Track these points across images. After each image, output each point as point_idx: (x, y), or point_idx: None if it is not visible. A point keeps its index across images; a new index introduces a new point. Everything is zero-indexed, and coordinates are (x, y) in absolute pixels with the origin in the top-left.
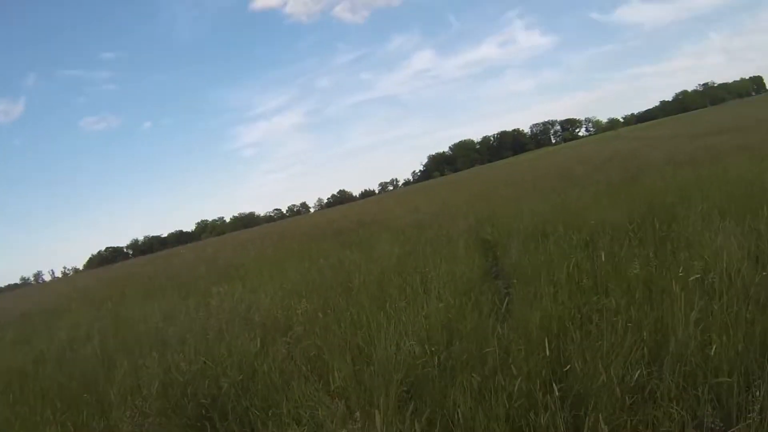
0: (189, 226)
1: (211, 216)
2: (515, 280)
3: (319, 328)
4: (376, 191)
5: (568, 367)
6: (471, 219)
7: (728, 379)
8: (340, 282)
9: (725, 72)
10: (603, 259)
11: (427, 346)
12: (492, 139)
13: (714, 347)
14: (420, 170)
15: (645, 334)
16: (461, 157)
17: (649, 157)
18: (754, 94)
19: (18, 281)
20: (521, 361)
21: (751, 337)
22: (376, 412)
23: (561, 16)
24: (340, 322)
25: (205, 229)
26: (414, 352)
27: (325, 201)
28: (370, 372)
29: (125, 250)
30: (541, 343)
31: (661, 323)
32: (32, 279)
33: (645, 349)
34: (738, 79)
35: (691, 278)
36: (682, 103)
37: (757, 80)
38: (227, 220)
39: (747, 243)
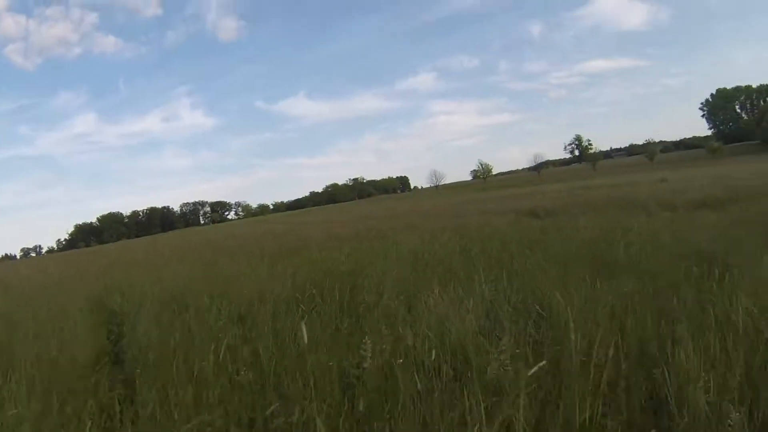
0: None
1: None
2: (140, 369)
3: None
4: (18, 257)
5: None
6: (101, 286)
7: None
8: None
9: (376, 170)
10: (270, 337)
11: None
12: (141, 214)
13: None
14: (66, 239)
15: None
16: (109, 230)
17: (305, 234)
18: (400, 191)
19: None
20: None
21: None
22: None
23: (228, 99)
24: None
25: None
26: None
27: None
28: None
29: None
30: None
31: None
32: None
33: None
34: (386, 177)
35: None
36: (332, 195)
37: (403, 179)
38: None
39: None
